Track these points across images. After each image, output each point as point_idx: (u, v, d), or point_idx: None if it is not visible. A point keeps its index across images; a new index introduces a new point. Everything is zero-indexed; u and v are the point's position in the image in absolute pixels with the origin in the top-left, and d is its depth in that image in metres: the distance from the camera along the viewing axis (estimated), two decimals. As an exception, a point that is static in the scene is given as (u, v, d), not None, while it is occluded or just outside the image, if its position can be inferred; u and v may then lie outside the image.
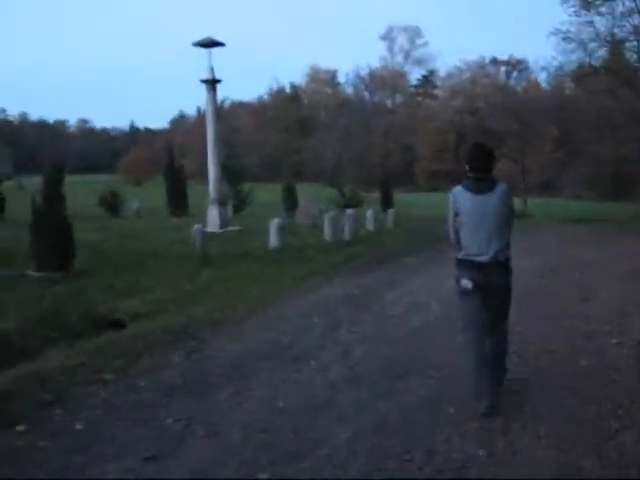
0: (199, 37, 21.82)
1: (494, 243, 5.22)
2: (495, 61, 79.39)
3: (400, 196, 41.92)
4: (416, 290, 10.97)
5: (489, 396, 5.18)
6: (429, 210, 30.19)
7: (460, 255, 5.40)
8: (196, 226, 14.43)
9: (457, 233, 5.42)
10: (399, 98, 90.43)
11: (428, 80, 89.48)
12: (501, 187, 5.30)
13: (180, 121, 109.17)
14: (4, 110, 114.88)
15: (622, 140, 32.56)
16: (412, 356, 6.97)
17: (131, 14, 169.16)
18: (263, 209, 29.39)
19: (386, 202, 30.80)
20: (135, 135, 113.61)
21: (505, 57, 77.46)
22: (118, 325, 9.22)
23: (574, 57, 28.94)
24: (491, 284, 5.25)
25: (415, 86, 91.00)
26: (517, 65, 77.34)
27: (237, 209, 29.79)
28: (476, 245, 5.24)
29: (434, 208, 29.61)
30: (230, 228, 21.27)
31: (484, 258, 5.20)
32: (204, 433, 5.02)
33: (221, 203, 21.85)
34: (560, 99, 53.58)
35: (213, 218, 21.32)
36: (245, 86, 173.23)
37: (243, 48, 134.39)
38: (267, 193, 37.76)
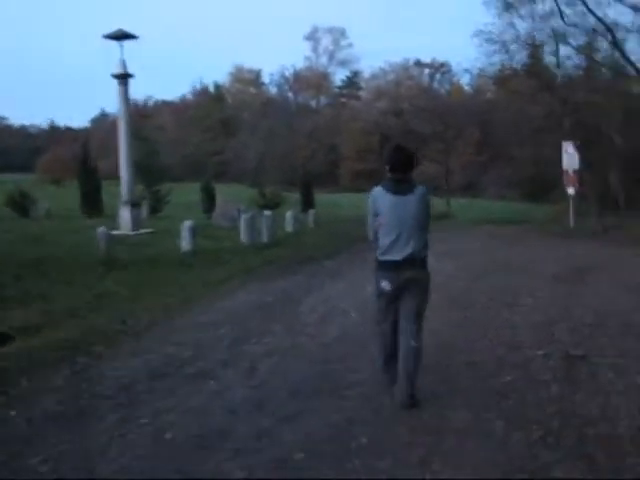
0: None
1: (412, 243, 5.29)
2: (419, 63, 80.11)
3: (323, 197, 41.47)
4: (334, 296, 10.35)
5: (402, 390, 5.28)
6: (352, 210, 29.71)
7: (379, 256, 5.42)
8: (100, 229, 13.41)
9: (376, 233, 5.44)
10: (323, 99, 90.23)
11: (352, 81, 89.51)
12: (420, 189, 5.40)
13: (101, 119, 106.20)
14: None
15: (542, 143, 32.82)
16: (325, 372, 6.32)
17: (49, 6, 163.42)
18: (182, 210, 28.34)
19: (307, 203, 30.21)
20: (55, 134, 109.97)
21: (428, 60, 78.30)
22: (3, 340, 8.26)
23: (496, 59, 28.90)
24: (409, 283, 5.32)
25: (339, 87, 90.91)
26: (440, 68, 78.18)
27: (154, 210, 28.66)
28: (395, 245, 5.29)
29: (357, 208, 29.16)
30: (143, 230, 20.23)
31: (402, 257, 5.27)
32: (72, 477, 4.23)
33: (133, 204, 20.80)
34: (482, 102, 54.16)
35: (125, 220, 20.27)
36: (170, 85, 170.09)
37: (168, 46, 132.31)
38: (188, 194, 36.67)
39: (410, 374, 5.30)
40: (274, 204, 29.52)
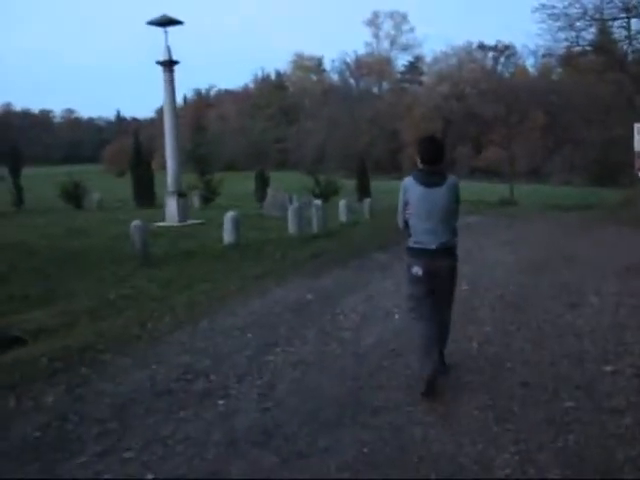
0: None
1: (441, 232, 5.48)
2: (482, 46, 78.05)
3: (383, 184, 40.42)
4: (379, 294, 9.41)
5: (429, 376, 5.27)
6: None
7: (410, 243, 5.62)
8: (134, 222, 12.68)
9: (407, 222, 5.61)
10: (385, 85, 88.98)
11: (414, 66, 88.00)
12: (450, 180, 5.54)
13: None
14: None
15: (611, 124, 31.15)
16: (351, 391, 5.43)
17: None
18: (235, 200, 27.80)
19: (362, 191, 29.17)
20: (121, 125, 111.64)
21: (492, 42, 76.19)
22: (10, 344, 7.59)
23: (562, 36, 27.26)
24: (438, 270, 5.50)
25: (401, 72, 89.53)
26: (505, 50, 75.98)
27: (206, 200, 28.16)
28: (424, 233, 5.48)
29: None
30: (190, 221, 19.61)
31: (432, 245, 5.46)
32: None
33: (180, 194, 20.18)
34: (548, 83, 52.23)
35: (171, 211, 19.69)
36: (232, 74, 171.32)
37: (230, 36, 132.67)
38: (247, 182, 36.08)
39: (437, 359, 5.44)
40: (330, 192, 28.65)
